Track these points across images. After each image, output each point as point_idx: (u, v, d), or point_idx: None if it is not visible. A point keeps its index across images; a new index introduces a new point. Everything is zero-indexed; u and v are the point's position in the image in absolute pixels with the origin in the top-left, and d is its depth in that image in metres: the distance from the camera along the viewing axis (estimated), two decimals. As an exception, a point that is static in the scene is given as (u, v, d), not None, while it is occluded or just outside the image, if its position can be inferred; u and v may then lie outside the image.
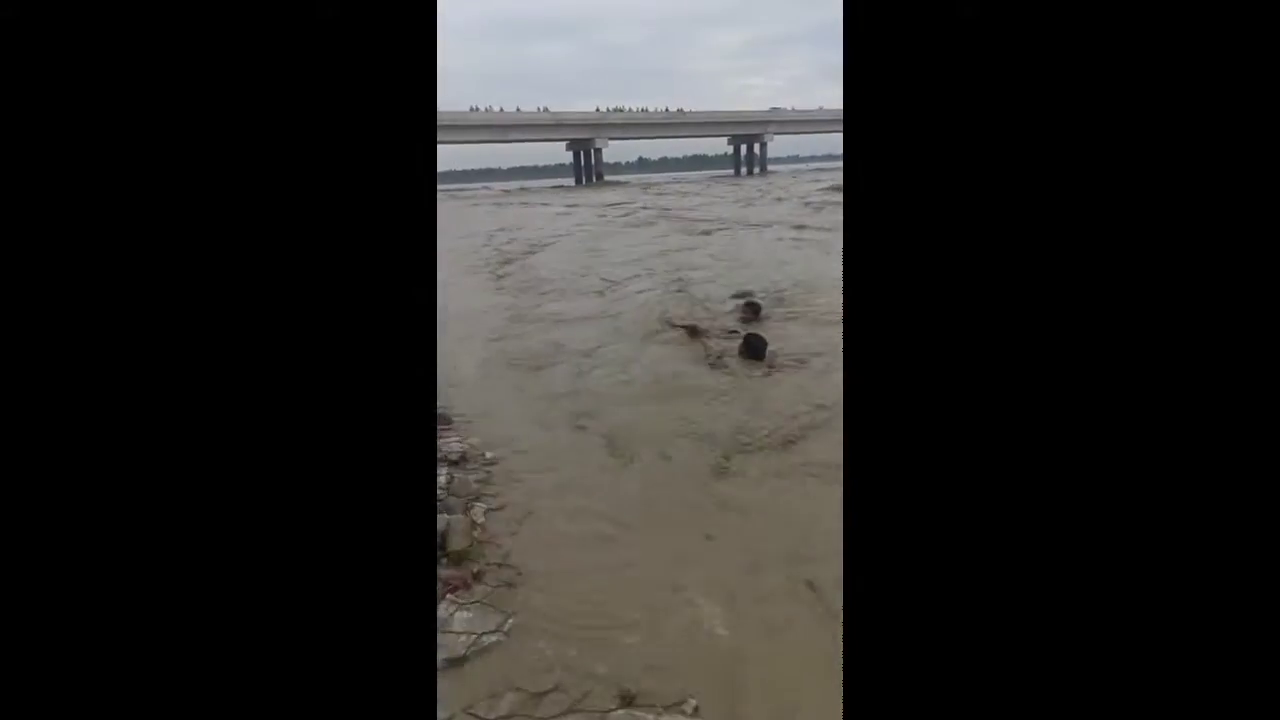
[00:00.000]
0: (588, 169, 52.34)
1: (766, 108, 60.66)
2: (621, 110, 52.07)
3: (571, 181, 51.14)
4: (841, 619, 0.62)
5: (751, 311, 5.51)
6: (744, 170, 54.49)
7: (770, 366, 4.21)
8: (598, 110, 50.78)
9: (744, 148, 55.89)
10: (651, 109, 53.83)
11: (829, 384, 3.68)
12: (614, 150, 54.78)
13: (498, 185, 56.92)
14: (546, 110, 49.80)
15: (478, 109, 47.26)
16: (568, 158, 53.18)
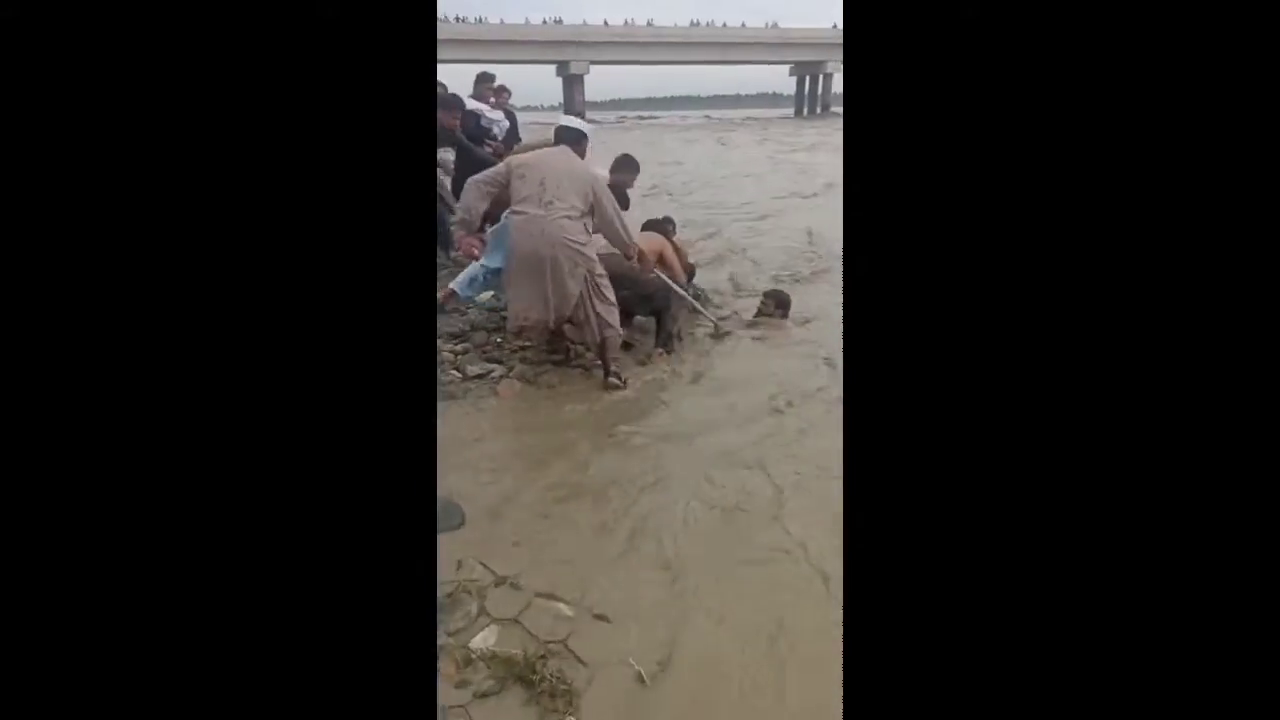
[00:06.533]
0: (811, 98, 45.42)
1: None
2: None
3: (790, 112, 44.70)
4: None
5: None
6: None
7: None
8: (834, 26, 43.18)
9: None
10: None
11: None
12: (836, 79, 47.00)
13: (713, 113, 51.77)
14: (775, 26, 43.23)
15: (698, 23, 41.97)
16: (778, 85, 46.45)
